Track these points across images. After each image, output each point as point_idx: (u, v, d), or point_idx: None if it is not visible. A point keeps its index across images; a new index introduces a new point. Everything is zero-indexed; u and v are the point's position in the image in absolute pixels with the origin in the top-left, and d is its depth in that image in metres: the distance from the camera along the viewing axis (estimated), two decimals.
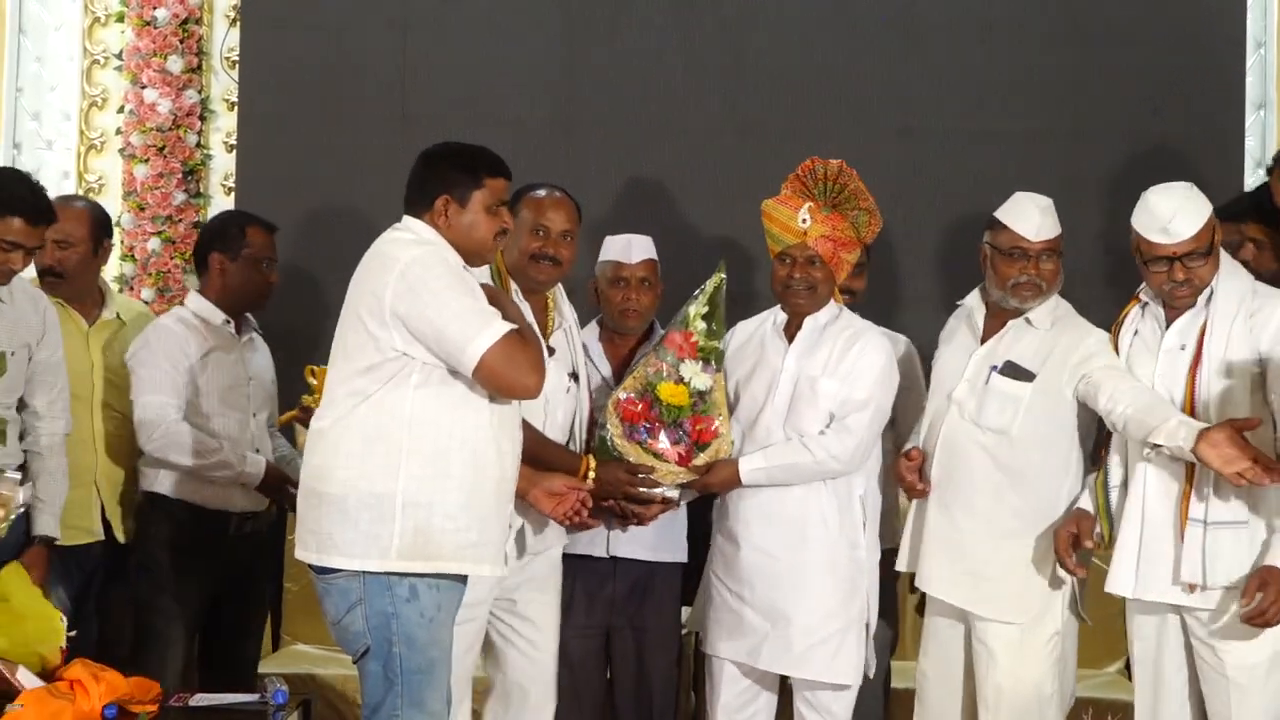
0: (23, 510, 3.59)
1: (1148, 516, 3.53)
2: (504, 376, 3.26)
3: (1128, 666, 4.77)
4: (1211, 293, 3.52)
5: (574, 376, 3.87)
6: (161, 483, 4.09)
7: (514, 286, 3.76)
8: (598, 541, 3.96)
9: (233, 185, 5.35)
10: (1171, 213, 3.47)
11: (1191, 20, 5.12)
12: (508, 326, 3.28)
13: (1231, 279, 3.53)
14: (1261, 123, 5.16)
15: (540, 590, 3.81)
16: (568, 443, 3.82)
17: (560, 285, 3.90)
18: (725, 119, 5.21)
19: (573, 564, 3.92)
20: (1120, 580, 3.57)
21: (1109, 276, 4.75)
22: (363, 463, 3.25)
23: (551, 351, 3.76)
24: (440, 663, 3.31)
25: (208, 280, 4.19)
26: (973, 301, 3.86)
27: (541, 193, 3.84)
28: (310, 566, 3.36)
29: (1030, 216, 3.72)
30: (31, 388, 3.91)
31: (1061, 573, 3.68)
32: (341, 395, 3.31)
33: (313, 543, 3.30)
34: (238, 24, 5.38)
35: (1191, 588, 3.46)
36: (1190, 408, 3.47)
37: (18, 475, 3.58)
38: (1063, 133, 5.11)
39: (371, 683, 3.32)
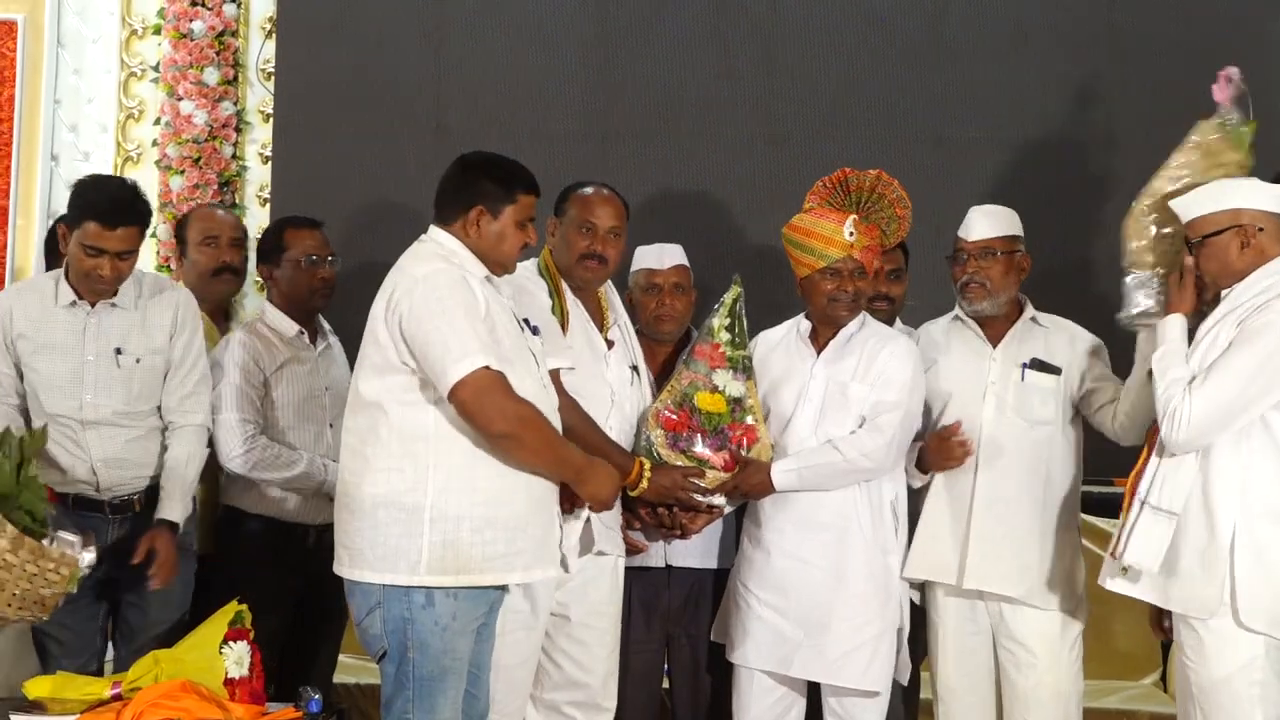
0: (88, 572, 3.51)
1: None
2: (471, 407, 3.25)
3: (1163, 677, 4.79)
4: (1227, 295, 3.51)
5: (635, 369, 3.91)
6: (241, 498, 4.11)
7: (565, 287, 3.82)
8: (654, 552, 4.00)
9: (268, 196, 5.39)
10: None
11: (1224, 22, 5.09)
12: (494, 360, 3.26)
13: (1254, 284, 3.45)
14: None
15: (598, 615, 3.82)
16: (638, 431, 3.86)
17: (611, 282, 3.94)
18: (759, 129, 5.21)
19: (630, 575, 3.94)
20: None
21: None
22: (390, 477, 3.29)
23: (610, 345, 3.84)
24: (453, 671, 3.34)
25: (270, 292, 4.23)
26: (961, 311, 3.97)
27: (589, 190, 3.89)
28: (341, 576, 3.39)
29: (970, 220, 3.91)
30: (168, 385, 3.90)
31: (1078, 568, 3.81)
32: (366, 402, 3.35)
33: (345, 557, 3.36)
34: (274, 36, 5.41)
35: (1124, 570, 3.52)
36: None
37: (77, 537, 3.53)
38: (1097, 140, 5.09)
39: (387, 684, 3.38)
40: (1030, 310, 3.94)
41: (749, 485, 3.83)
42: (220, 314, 4.43)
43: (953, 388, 3.90)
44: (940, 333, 4.00)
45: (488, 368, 3.25)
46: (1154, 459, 3.44)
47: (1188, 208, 3.51)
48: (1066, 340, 3.89)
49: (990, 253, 3.85)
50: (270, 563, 4.05)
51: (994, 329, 3.92)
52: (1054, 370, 3.83)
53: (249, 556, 4.07)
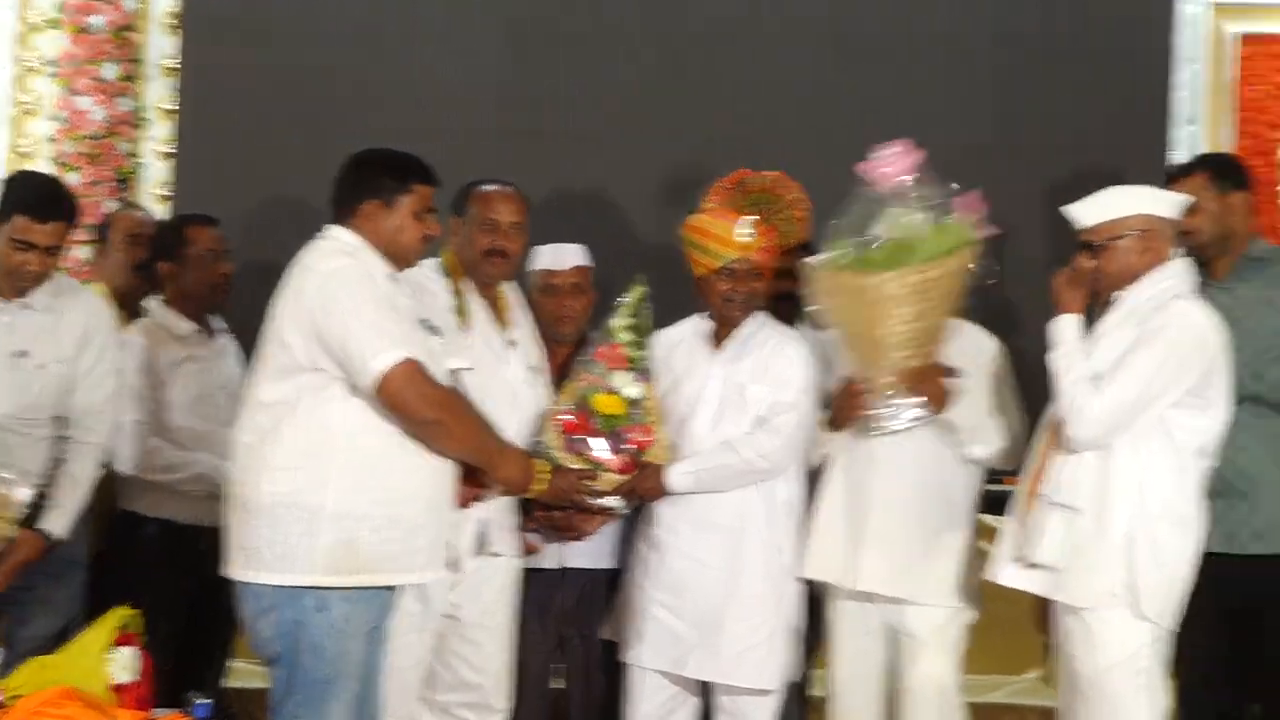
0: (28, 512, 3.52)
1: (1017, 496, 3.66)
2: (399, 397, 3.25)
3: (1046, 672, 4.84)
4: (1124, 296, 3.57)
5: (535, 369, 3.91)
6: (138, 501, 4.06)
7: (466, 284, 3.81)
8: (548, 552, 3.98)
9: (166, 194, 5.34)
10: None
11: (1123, 36, 5.19)
12: (414, 350, 3.28)
13: (1150, 286, 3.54)
14: (1192, 137, 5.25)
15: (491, 616, 3.80)
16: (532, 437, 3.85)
17: (514, 282, 3.93)
18: (661, 129, 5.23)
19: (523, 576, 3.92)
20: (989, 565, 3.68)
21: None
22: (290, 475, 3.26)
23: (512, 345, 3.84)
24: (345, 675, 3.31)
25: (164, 290, 4.18)
26: None
27: (490, 188, 3.89)
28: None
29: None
30: (75, 399, 3.84)
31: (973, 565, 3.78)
32: (265, 404, 3.32)
33: (240, 558, 3.31)
34: (176, 31, 5.36)
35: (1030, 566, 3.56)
36: None
37: (13, 476, 3.52)
38: (1002, 147, 5.16)
39: (278, 688, 3.34)
40: None
41: (645, 488, 3.83)
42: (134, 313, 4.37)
43: None
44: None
45: (410, 358, 3.25)
46: (1055, 457, 3.50)
47: (1088, 214, 3.59)
48: (973, 344, 3.88)
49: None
50: (165, 566, 4.01)
51: None
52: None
53: (144, 560, 4.03)
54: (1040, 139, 5.19)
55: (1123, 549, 3.43)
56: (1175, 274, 3.58)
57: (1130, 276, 3.55)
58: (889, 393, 3.66)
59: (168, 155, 5.36)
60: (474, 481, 3.53)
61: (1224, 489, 3.67)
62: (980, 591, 3.82)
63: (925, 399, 3.69)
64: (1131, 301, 3.54)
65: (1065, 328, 3.56)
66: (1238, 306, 3.80)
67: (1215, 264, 3.90)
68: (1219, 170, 3.94)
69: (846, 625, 3.87)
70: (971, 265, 3.62)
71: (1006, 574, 3.58)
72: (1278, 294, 3.85)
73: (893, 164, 3.62)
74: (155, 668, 3.79)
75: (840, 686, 3.88)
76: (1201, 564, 3.50)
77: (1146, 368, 3.43)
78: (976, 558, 3.82)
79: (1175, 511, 3.46)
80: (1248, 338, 3.73)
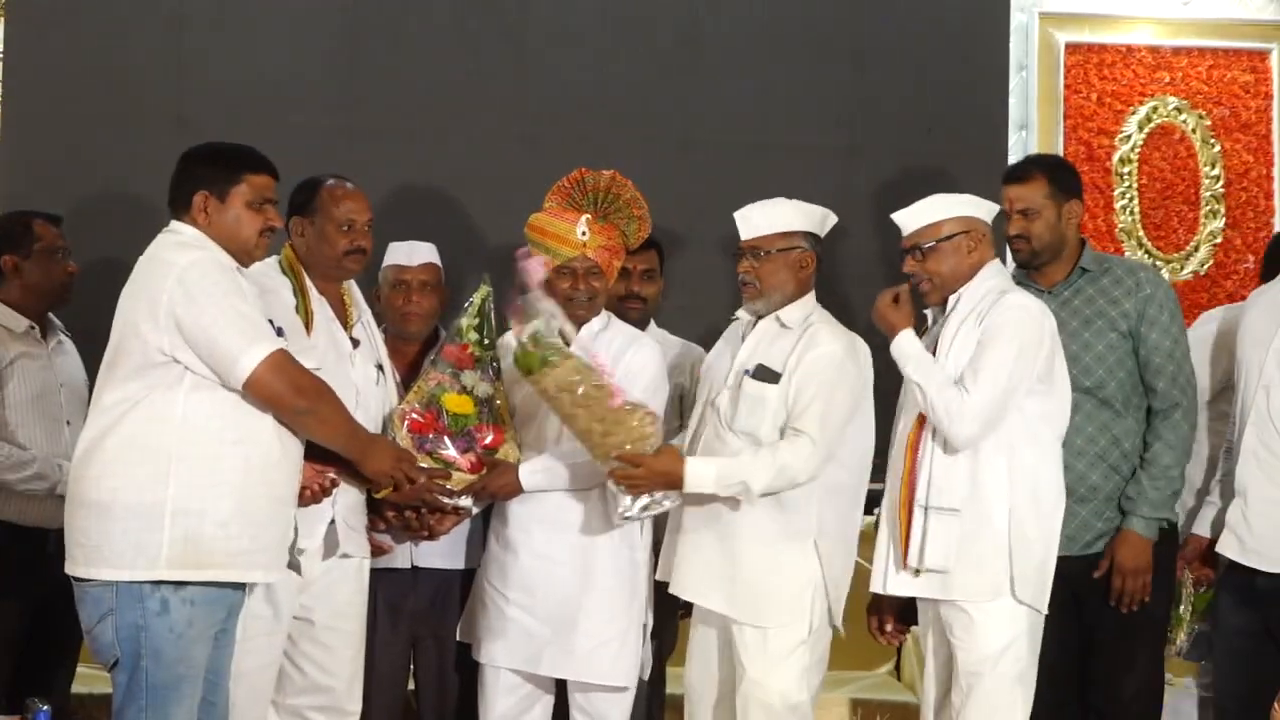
0: None
1: (886, 507, 3.69)
2: (273, 390, 3.27)
3: (897, 667, 4.96)
4: (959, 297, 3.69)
5: (380, 368, 3.87)
6: None
7: (309, 284, 3.77)
8: (400, 553, 3.96)
9: None
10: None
11: (959, 43, 5.32)
12: (281, 343, 3.30)
13: (982, 283, 3.68)
14: (1023, 142, 5.41)
15: (343, 618, 3.76)
16: (381, 433, 3.79)
17: (353, 280, 3.90)
18: (508, 127, 5.21)
19: (375, 577, 3.88)
20: (876, 578, 3.71)
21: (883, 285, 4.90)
22: (130, 470, 3.22)
23: (355, 344, 3.80)
24: (188, 679, 3.27)
25: (3, 286, 4.07)
26: (741, 312, 3.89)
27: (336, 186, 3.84)
28: (73, 577, 3.29)
29: (741, 218, 3.80)
30: None
31: (809, 578, 3.70)
32: (111, 403, 3.27)
33: (80, 555, 3.25)
34: (1, 17, 5.18)
35: (916, 572, 3.60)
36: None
37: None
38: (840, 149, 5.26)
39: (119, 693, 3.28)
40: (797, 312, 3.78)
41: (496, 486, 3.82)
42: None
43: (702, 390, 3.91)
44: (734, 329, 3.93)
45: (280, 349, 3.27)
46: (924, 462, 3.59)
47: (916, 217, 3.71)
48: (803, 349, 3.74)
49: (757, 253, 3.78)
50: (8, 569, 3.90)
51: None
52: (773, 379, 3.70)
53: None
54: (880, 142, 5.29)
55: (1003, 540, 3.55)
56: (1000, 271, 3.75)
57: (959, 277, 3.69)
58: (615, 486, 3.66)
59: None
60: (321, 473, 3.52)
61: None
62: (828, 608, 3.73)
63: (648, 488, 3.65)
64: (968, 301, 3.66)
65: (906, 343, 3.66)
66: (1070, 316, 3.94)
67: (1046, 270, 4.01)
68: (1056, 176, 4.03)
69: (697, 627, 3.88)
70: (575, 377, 3.62)
71: (895, 583, 3.65)
72: (1109, 305, 3.95)
73: (529, 271, 3.73)
74: (2, 672, 3.72)
75: (689, 686, 3.89)
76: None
77: (1004, 360, 3.55)
78: (813, 569, 3.71)
79: (1041, 497, 3.61)
80: (1081, 347, 3.90)
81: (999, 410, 3.57)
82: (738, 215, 3.82)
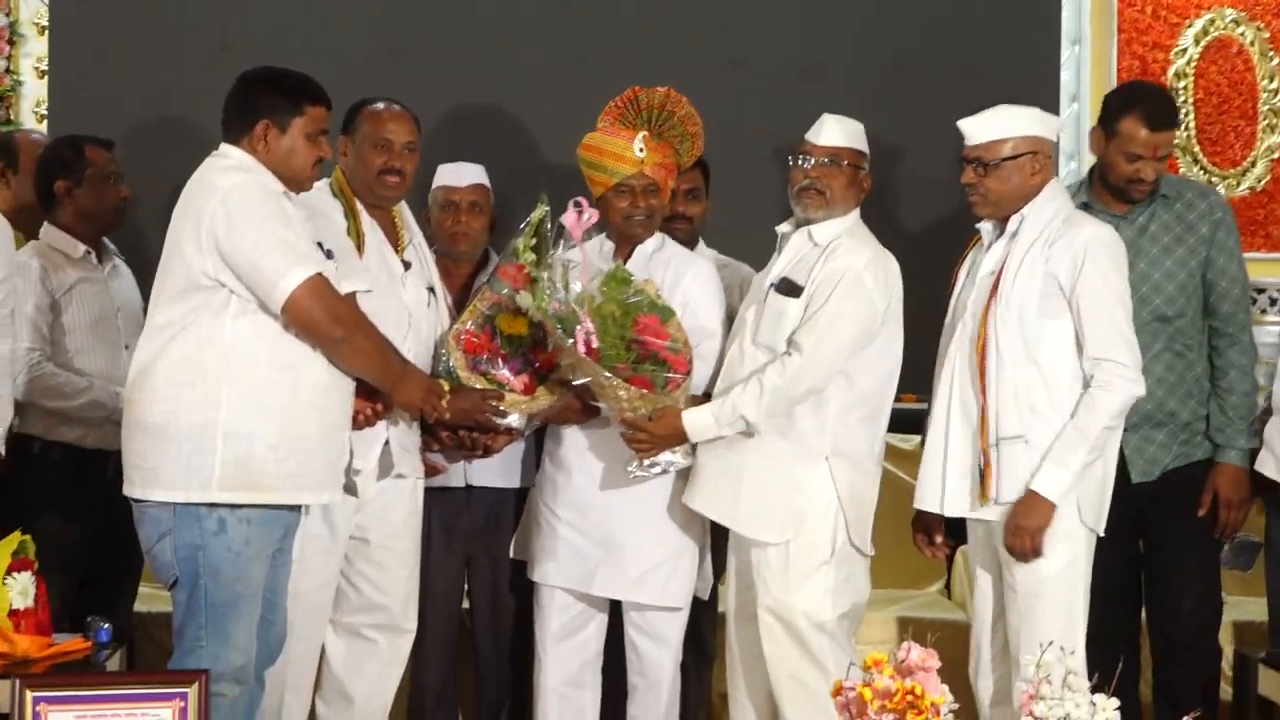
0: None
1: (951, 434, 3.61)
2: (310, 315, 3.27)
3: (948, 586, 4.97)
4: (1022, 219, 3.61)
5: (431, 290, 3.87)
6: (34, 425, 3.97)
7: (359, 207, 3.77)
8: (454, 472, 3.98)
9: (44, 113, 5.17)
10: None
11: (1010, 13, 5.24)
12: (321, 267, 3.30)
13: (1047, 205, 3.61)
14: (1076, 57, 5.29)
15: (398, 538, 3.79)
16: (435, 354, 3.81)
17: (404, 202, 3.89)
18: (553, 48, 5.16)
19: (429, 496, 3.91)
20: (927, 497, 3.67)
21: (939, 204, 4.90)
22: (182, 393, 3.25)
23: (407, 266, 3.80)
24: (247, 597, 3.32)
25: (58, 211, 4.09)
26: (785, 226, 3.84)
27: (380, 106, 3.84)
28: (131, 498, 3.34)
29: (822, 124, 3.74)
30: None
31: (823, 497, 3.66)
32: (160, 324, 3.31)
33: (137, 477, 3.31)
34: None
35: (985, 501, 3.57)
36: (983, 335, 3.56)
37: None
38: (889, 65, 5.19)
39: (179, 612, 3.34)
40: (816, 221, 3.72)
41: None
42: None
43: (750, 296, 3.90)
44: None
45: (318, 274, 3.27)
46: (992, 390, 3.52)
47: (982, 129, 3.61)
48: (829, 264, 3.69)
49: (837, 161, 3.71)
50: (69, 490, 3.95)
51: None
52: (796, 292, 3.68)
53: (47, 485, 3.97)
54: (931, 58, 5.21)
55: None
56: (1060, 193, 3.66)
57: (1020, 196, 3.59)
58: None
59: (45, 73, 5.18)
60: (372, 401, 3.54)
61: (1142, 420, 3.81)
62: (843, 530, 3.68)
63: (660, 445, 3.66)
64: (1033, 225, 3.57)
65: (696, 422, 3.66)
66: (1149, 243, 3.93)
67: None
68: (1152, 112, 3.92)
69: (732, 547, 3.86)
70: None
71: (953, 505, 3.62)
72: (1186, 232, 3.94)
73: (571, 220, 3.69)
74: (66, 593, 3.78)
75: (729, 609, 3.89)
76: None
77: (1117, 290, 3.52)
78: (823, 489, 3.67)
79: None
80: (1164, 275, 3.89)
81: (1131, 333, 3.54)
82: (823, 120, 3.73)
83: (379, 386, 3.51)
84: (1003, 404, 3.53)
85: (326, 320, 3.30)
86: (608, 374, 3.62)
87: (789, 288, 3.70)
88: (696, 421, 3.66)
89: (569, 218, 3.72)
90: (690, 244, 4.17)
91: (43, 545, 3.75)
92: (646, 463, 3.70)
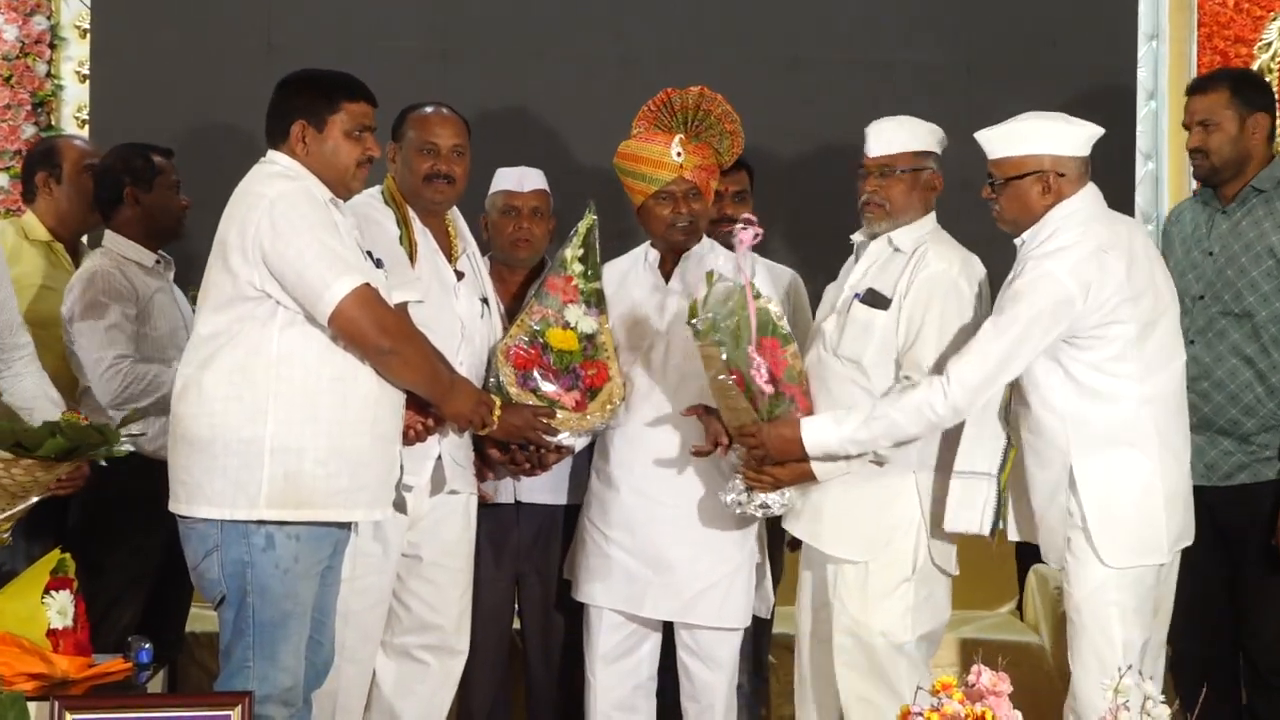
0: None
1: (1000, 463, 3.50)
2: (357, 326, 3.22)
3: (1019, 606, 4.83)
4: (1022, 242, 3.46)
5: (485, 301, 3.81)
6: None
7: (411, 215, 3.71)
8: (503, 488, 3.92)
9: (86, 118, 5.13)
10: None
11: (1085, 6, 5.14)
12: (369, 276, 3.25)
13: (1042, 229, 3.41)
14: (1154, 53, 5.19)
15: (451, 555, 3.73)
16: (487, 368, 3.75)
17: (457, 209, 3.83)
18: (608, 50, 5.10)
19: (478, 513, 3.84)
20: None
21: None
22: (229, 406, 3.19)
23: (460, 276, 3.74)
24: (295, 616, 3.26)
25: (121, 219, 4.04)
26: (858, 235, 3.71)
27: (427, 110, 3.79)
28: (177, 515, 3.29)
29: (872, 133, 3.61)
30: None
31: (907, 514, 3.54)
32: (205, 335, 3.26)
33: (182, 493, 3.26)
34: None
35: None
36: None
37: None
38: (957, 65, 5.10)
39: (226, 631, 3.28)
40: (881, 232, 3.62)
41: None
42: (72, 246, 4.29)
43: (820, 314, 3.78)
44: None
45: (366, 284, 3.21)
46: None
47: (993, 145, 3.45)
48: (916, 272, 3.56)
49: (889, 171, 3.58)
50: (138, 505, 3.85)
51: None
52: (884, 304, 3.55)
53: (118, 496, 3.86)
54: (1000, 57, 5.11)
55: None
56: (1066, 215, 3.40)
57: (1031, 218, 3.41)
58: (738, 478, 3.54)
59: (86, 77, 5.15)
60: (424, 414, 3.49)
61: (1203, 423, 3.71)
62: (926, 549, 3.56)
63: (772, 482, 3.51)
64: (1024, 249, 3.42)
65: (816, 433, 3.47)
66: (1234, 239, 3.83)
67: (1230, 186, 3.87)
68: (1240, 87, 3.88)
69: (804, 569, 3.73)
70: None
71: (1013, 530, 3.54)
72: (1273, 229, 3.81)
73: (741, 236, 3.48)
74: (139, 610, 3.81)
75: (801, 633, 3.75)
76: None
77: (1013, 329, 3.35)
78: (908, 508, 3.56)
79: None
80: (1237, 272, 3.79)
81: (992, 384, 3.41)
82: (869, 129, 3.62)
83: (428, 398, 3.45)
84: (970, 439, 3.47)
85: (374, 331, 3.23)
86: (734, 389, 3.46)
87: (875, 299, 3.56)
88: (817, 432, 3.45)
89: (744, 236, 3.47)
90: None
91: (120, 559, 3.78)
92: (758, 499, 3.53)
